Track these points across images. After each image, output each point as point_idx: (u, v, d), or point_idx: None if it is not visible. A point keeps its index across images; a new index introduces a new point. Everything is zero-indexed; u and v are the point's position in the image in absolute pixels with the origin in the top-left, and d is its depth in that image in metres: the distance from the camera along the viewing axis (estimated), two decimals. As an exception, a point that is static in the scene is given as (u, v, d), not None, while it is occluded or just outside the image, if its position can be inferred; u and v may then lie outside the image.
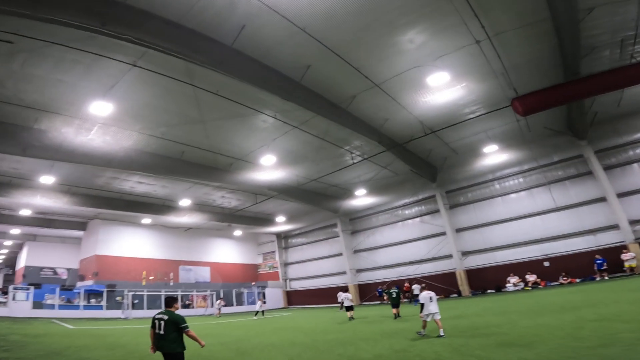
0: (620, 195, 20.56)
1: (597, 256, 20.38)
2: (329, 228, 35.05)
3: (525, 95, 14.30)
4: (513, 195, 25.09)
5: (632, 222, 20.03)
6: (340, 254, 32.84)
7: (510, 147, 22.61)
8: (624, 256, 19.61)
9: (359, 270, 32.11)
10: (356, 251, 32.60)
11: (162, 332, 5.01)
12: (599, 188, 21.45)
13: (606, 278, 19.60)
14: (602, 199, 21.34)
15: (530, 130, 20.92)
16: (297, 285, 37.91)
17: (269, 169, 21.39)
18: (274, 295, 36.47)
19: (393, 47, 12.54)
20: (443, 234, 26.53)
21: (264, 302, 25.46)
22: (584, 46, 13.10)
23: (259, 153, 19.66)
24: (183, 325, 5.07)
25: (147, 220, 30.68)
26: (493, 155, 23.30)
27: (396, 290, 16.02)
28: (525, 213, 24.01)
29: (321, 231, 36.17)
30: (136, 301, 28.03)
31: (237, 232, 38.08)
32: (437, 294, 9.44)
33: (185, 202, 26.67)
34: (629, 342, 5.07)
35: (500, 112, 17.75)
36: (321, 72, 13.59)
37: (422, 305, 9.05)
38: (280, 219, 33.76)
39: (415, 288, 22.26)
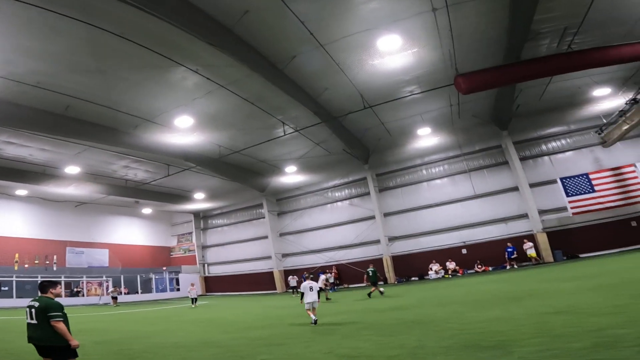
0: (532, 185, 22.11)
1: (508, 244, 21.78)
2: (254, 209, 32.56)
3: (469, 73, 13.90)
4: (438, 181, 25.69)
5: (541, 212, 21.76)
6: (265, 237, 30.66)
7: (440, 132, 22.72)
8: (524, 246, 21.21)
9: (285, 255, 30.46)
10: (282, 234, 30.79)
11: (34, 321, 4.38)
12: (514, 178, 22.89)
13: (515, 267, 20.97)
14: (515, 189, 22.83)
15: (460, 117, 21.11)
16: (217, 271, 34.86)
17: (184, 132, 18.10)
18: (190, 282, 32.90)
19: (348, 3, 10.92)
20: (372, 218, 26.13)
21: (192, 288, 22.06)
22: (531, 30, 12.91)
23: (173, 115, 16.34)
24: (51, 314, 4.34)
25: (22, 191, 24.55)
26: (424, 139, 23.28)
27: (373, 270, 16.69)
28: (447, 199, 24.73)
29: (245, 212, 33.50)
30: (5, 288, 22.50)
31: (147, 210, 33.30)
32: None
33: (72, 170, 21.59)
34: (632, 340, 4.06)
35: (437, 94, 17.36)
36: (260, 21, 11.35)
37: (302, 294, 9.60)
38: (199, 196, 30.13)
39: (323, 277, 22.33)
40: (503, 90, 17.84)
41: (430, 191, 25.57)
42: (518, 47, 13.65)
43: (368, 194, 26.63)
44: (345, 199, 28.60)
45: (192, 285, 22.46)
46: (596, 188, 20.58)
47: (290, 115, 17.82)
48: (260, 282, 30.18)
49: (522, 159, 22.79)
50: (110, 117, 15.99)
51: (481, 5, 11.82)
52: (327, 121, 17.94)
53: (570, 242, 20.81)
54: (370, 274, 16.47)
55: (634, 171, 20.11)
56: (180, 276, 33.10)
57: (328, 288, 20.16)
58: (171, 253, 37.06)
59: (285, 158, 23.88)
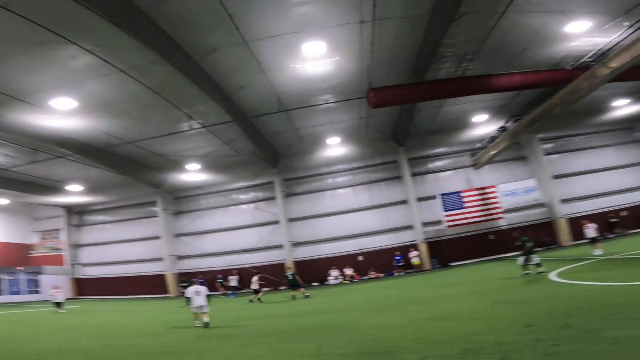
0: (418, 200, 24.94)
1: (397, 252, 24.15)
2: (145, 206, 29.18)
3: (380, 88, 14.83)
4: (341, 191, 27.05)
5: (423, 224, 24.68)
6: (157, 237, 27.78)
7: (347, 143, 23.90)
8: (410, 254, 23.86)
9: (181, 257, 28.10)
10: (179, 235, 28.39)
11: None
12: (404, 192, 25.48)
13: (402, 274, 23.35)
14: (405, 202, 25.45)
15: (366, 130, 22.63)
16: (93, 272, 30.09)
17: (62, 115, 15.26)
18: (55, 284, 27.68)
19: (281, 3, 10.72)
20: (276, 222, 26.00)
21: (57, 291, 18.38)
22: (437, 53, 14.27)
23: (50, 95, 13.67)
24: None
25: None
26: (333, 148, 24.24)
27: (292, 273, 17.16)
28: (348, 209, 26.14)
29: (134, 209, 29.79)
30: None
31: (2, 201, 27.00)
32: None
33: None
34: (491, 347, 4.65)
35: (349, 105, 18.20)
36: (183, 8, 10.41)
37: (189, 299, 9.43)
38: (75, 188, 25.63)
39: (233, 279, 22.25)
40: (405, 109, 19.57)
41: (334, 200, 26.74)
42: (425, 67, 14.97)
43: (274, 198, 26.45)
44: (250, 202, 27.89)
45: (56, 287, 19.07)
46: (465, 205, 24.37)
47: (199, 110, 16.60)
48: (149, 285, 27.20)
49: (413, 174, 25.55)
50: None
51: (402, 24, 12.71)
52: (239, 120, 17.26)
53: (444, 251, 24.13)
54: (290, 278, 16.71)
55: (494, 192, 24.44)
56: (43, 277, 27.77)
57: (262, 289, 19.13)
58: (30, 251, 30.78)
59: (187, 154, 22.09)
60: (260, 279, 17.45)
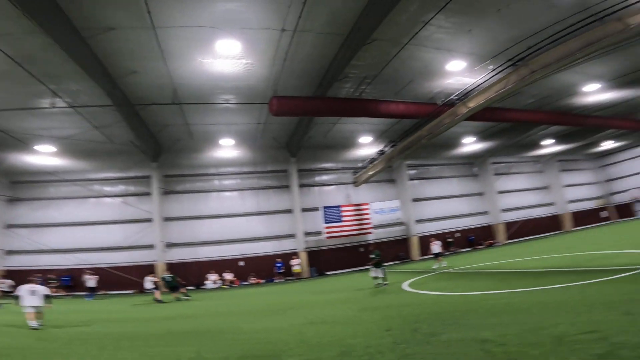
0: (303, 210, 26.11)
1: (278, 260, 24.66)
2: (-33, 189, 22.63)
3: (284, 97, 15.16)
4: (227, 194, 26.29)
5: (306, 234, 25.88)
6: (-22, 228, 21.73)
7: (241, 147, 23.57)
8: (292, 262, 24.76)
9: (10, 252, 22.53)
10: (11, 226, 22.78)
11: None
12: (291, 201, 26.39)
13: (282, 280, 23.89)
14: (290, 211, 26.31)
15: (262, 136, 22.73)
16: None
17: None
18: None
19: None
20: (148, 220, 23.53)
21: None
22: (343, 72, 15.20)
23: None
24: None
25: None
26: (225, 150, 23.50)
27: (171, 275, 17.31)
28: (234, 213, 25.56)
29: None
30: None
31: None
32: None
33: None
34: (361, 350, 5.23)
35: (250, 109, 18.09)
36: None
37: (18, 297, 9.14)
38: None
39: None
40: (303, 121, 20.37)
41: (219, 202, 25.75)
42: (329, 84, 15.79)
43: (149, 194, 23.94)
44: (118, 196, 24.52)
45: None
46: (343, 218, 26.69)
47: (70, 87, 14.10)
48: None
49: (300, 185, 26.67)
50: None
51: (320, 39, 13.20)
52: (120, 106, 15.21)
53: (321, 261, 25.79)
54: (169, 280, 16.84)
55: (368, 209, 27.44)
56: None
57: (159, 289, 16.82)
58: None
59: (41, 134, 18.17)
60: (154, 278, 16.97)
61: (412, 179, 30.83)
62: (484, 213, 32.86)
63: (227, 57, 13.69)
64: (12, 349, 5.94)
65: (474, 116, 17.40)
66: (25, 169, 22.50)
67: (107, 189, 24.52)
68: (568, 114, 23.57)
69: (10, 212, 22.98)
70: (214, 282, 23.30)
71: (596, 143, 34.25)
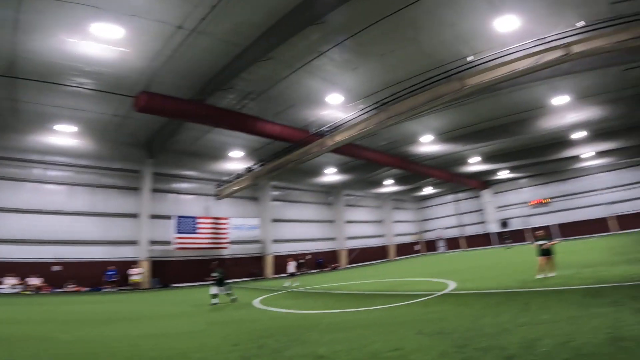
0: (152, 216, 23.47)
1: (110, 267, 21.08)
2: None
3: (155, 94, 13.80)
4: (52, 187, 21.33)
5: (151, 242, 23.16)
6: None
7: (85, 136, 20.04)
8: (131, 271, 21.68)
9: None
10: None
11: None
12: (138, 205, 23.37)
13: (114, 290, 20.38)
14: (135, 215, 23.25)
15: (117, 130, 19.92)
16: None
17: None
18: None
19: None
20: None
21: None
22: (229, 82, 14.79)
23: None
24: None
25: None
26: (60, 136, 19.49)
27: None
28: (57, 210, 20.90)
29: None
30: None
31: None
32: None
33: None
34: None
35: (108, 98, 15.78)
36: None
37: None
38: None
39: None
40: (173, 122, 18.79)
41: (38, 195, 20.57)
42: (210, 92, 15.11)
43: None
44: None
45: None
46: (198, 230, 25.16)
47: None
48: None
49: (154, 190, 24.02)
50: None
51: (216, 45, 12.58)
52: None
53: (167, 272, 23.40)
54: None
55: (226, 223, 26.67)
56: None
57: None
58: None
59: None
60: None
61: (274, 200, 31.77)
62: (332, 239, 36.45)
63: (101, 41, 11.92)
64: None
65: (337, 149, 19.45)
66: None
67: None
68: (406, 160, 28.65)
69: None
70: (12, 287, 18.05)
71: (420, 188, 42.77)
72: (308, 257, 32.69)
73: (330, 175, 32.32)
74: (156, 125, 19.94)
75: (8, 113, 16.90)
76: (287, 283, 18.47)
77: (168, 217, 24.07)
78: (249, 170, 24.09)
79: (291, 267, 19.50)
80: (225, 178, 26.54)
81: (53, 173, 21.40)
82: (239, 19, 11.53)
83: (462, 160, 31.89)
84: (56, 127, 18.47)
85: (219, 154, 25.01)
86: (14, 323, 8.87)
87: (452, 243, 46.42)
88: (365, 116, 16.42)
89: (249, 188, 26.69)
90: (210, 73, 14.69)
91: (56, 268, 20.09)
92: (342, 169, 31.04)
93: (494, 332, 5.38)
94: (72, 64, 13.24)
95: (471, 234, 44.91)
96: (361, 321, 7.59)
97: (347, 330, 6.72)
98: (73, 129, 18.93)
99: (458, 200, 46.88)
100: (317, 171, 31.03)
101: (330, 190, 37.38)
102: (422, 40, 13.85)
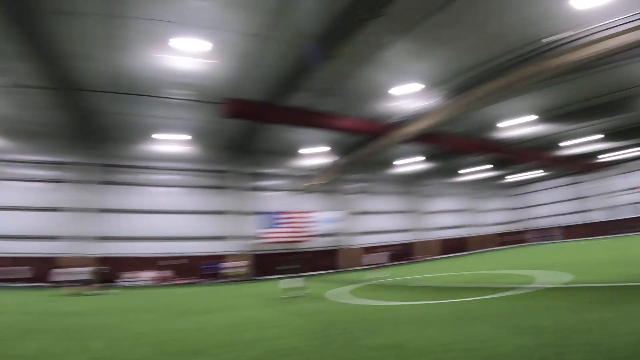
0: (242, 213, 25.65)
1: (211, 261, 23.78)
2: None
3: (240, 100, 15.07)
4: (161, 189, 24.83)
5: (242, 237, 25.30)
6: None
7: (186, 143, 22.80)
8: (228, 264, 24.03)
9: None
10: None
11: None
12: (230, 202, 25.71)
13: (214, 282, 22.96)
14: (227, 212, 25.56)
15: (211, 135, 22.28)
16: None
17: None
18: None
19: None
20: (75, 210, 21.63)
21: None
22: (304, 83, 15.38)
23: None
24: None
25: None
26: (169, 144, 22.66)
27: (100, 269, 17.89)
28: (167, 209, 24.35)
29: None
30: None
31: None
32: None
33: None
34: (288, 350, 5.50)
35: (203, 106, 17.75)
36: None
37: None
38: None
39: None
40: (254, 124, 20.21)
41: (153, 197, 24.28)
42: (287, 93, 15.88)
43: (80, 182, 22.11)
44: (41, 181, 21.83)
45: None
46: (282, 225, 26.72)
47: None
48: None
49: (242, 188, 26.26)
50: None
51: (286, 48, 13.37)
52: (58, 89, 14.20)
53: (257, 265, 25.38)
54: (98, 273, 17.57)
55: (308, 217, 27.84)
56: None
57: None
58: None
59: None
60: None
61: (354, 192, 32.04)
62: (415, 229, 35.32)
63: (191, 55, 13.40)
64: None
65: (420, 138, 18.45)
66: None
67: (25, 171, 21.74)
68: (496, 144, 25.95)
69: None
70: (138, 280, 21.86)
71: (515, 173, 38.26)
72: (391, 248, 32.32)
73: (412, 164, 31.32)
74: (241, 128, 21.65)
75: (120, 126, 20.29)
76: (371, 275, 18.47)
77: (255, 213, 26.09)
78: (328, 164, 24.55)
79: (375, 258, 19.46)
80: (307, 173, 27.51)
81: (162, 177, 24.90)
82: (300, 22, 11.94)
83: (564, 142, 27.72)
84: (159, 135, 21.33)
85: (298, 151, 25.95)
86: (131, 312, 10.41)
87: (552, 232, 40.97)
88: (446, 102, 15.64)
89: (332, 182, 27.23)
90: (283, 76, 15.32)
91: (169, 262, 23.42)
92: (425, 157, 29.73)
93: (597, 330, 4.86)
94: (167, 78, 15.17)
95: (573, 223, 39.14)
96: (448, 314, 7.32)
97: (431, 323, 6.60)
98: (172, 137, 21.67)
99: (559, 186, 41.18)
100: (397, 161, 30.27)
101: (412, 180, 36.23)
102: (501, 21, 12.70)
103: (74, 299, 13.90)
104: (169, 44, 12.47)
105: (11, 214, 20.69)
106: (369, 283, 16.10)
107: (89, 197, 22.04)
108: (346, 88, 16.90)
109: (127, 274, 21.82)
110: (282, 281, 13.19)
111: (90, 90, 15.00)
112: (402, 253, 32.73)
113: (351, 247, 29.99)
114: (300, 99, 17.29)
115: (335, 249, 29.81)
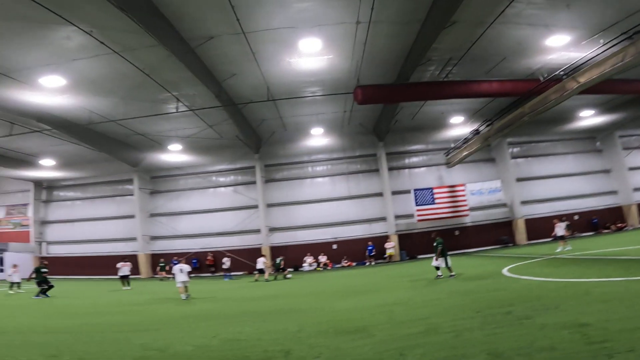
0: (393, 193, 26.11)
1: (369, 243, 25.25)
2: (121, 184, 28.72)
3: (367, 86, 15.56)
4: (320, 180, 27.76)
5: (396, 217, 25.90)
6: (132, 216, 27.52)
7: (329, 134, 24.61)
8: (387, 245, 25.03)
9: (154, 238, 28.05)
10: (154, 215, 28.24)
11: None
12: (380, 185, 26.54)
13: (373, 263, 24.48)
14: (380, 194, 26.51)
15: (349, 123, 23.44)
16: (59, 251, 29.42)
17: (50, 92, 15.09)
18: (18, 262, 26.75)
19: None
20: (255, 207, 26.41)
21: (14, 270, 17.98)
22: (425, 56, 14.92)
23: (39, 72, 13.60)
24: None
25: None
26: (315, 138, 24.89)
27: (280, 259, 20.71)
28: (326, 197, 26.92)
29: (108, 186, 29.19)
30: None
31: (-36, 171, 25.70)
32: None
33: None
34: (448, 328, 5.45)
35: (335, 99, 18.95)
36: None
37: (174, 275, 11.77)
38: (48, 162, 24.95)
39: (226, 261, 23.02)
40: (387, 106, 20.48)
41: (312, 188, 27.45)
42: (411, 70, 15.68)
43: (254, 183, 26.75)
44: (230, 185, 28.10)
45: (15, 266, 18.28)
46: (436, 201, 25.78)
47: (187, 92, 16.74)
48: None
49: (389, 169, 26.59)
50: None
51: (396, 28, 13.34)
52: (227, 106, 17.53)
53: (412, 244, 25.49)
54: (277, 262, 20.21)
55: (463, 190, 25.98)
56: (7, 255, 26.84)
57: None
58: (-5, 226, 29.64)
59: (170, 135, 22.03)
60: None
61: (515, 157, 27.91)
62: (611, 193, 27.97)
63: (310, 55, 14.54)
64: (162, 324, 7.73)
65: (588, 90, 15.23)
66: (161, 165, 27.40)
67: (221, 179, 28.31)
68: None
69: (152, 203, 28.36)
70: (310, 265, 25.02)
71: None
72: (575, 217, 26.70)
73: (589, 118, 25.32)
74: (376, 112, 22.10)
75: (280, 128, 23.47)
76: (559, 248, 16.04)
77: (407, 192, 26.03)
78: (475, 132, 22.38)
79: (559, 229, 16.75)
80: (452, 145, 25.80)
81: (318, 168, 27.88)
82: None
83: None
84: (311, 131, 23.78)
85: (439, 124, 24.66)
86: (302, 296, 12.17)
87: None
88: (615, 49, 12.55)
89: (481, 150, 24.74)
90: (403, 54, 15.07)
91: (334, 246, 26.06)
92: (606, 108, 23.79)
93: None
94: (301, 79, 16.64)
95: None
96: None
97: (627, 300, 5.44)
98: (320, 130, 23.81)
99: None
100: (567, 117, 24.98)
101: (595, 135, 28.83)
102: None
103: (259, 284, 16.90)
104: (296, 47, 13.72)
105: (207, 216, 27.06)
106: (551, 257, 14.04)
107: (261, 195, 26.29)
108: (476, 53, 15.36)
109: (298, 261, 25.21)
110: (432, 260, 12.81)
111: (245, 103, 17.97)
112: (599, 220, 26.56)
113: (524, 217, 26.25)
114: (429, 73, 16.73)
115: (504, 221, 26.79)
